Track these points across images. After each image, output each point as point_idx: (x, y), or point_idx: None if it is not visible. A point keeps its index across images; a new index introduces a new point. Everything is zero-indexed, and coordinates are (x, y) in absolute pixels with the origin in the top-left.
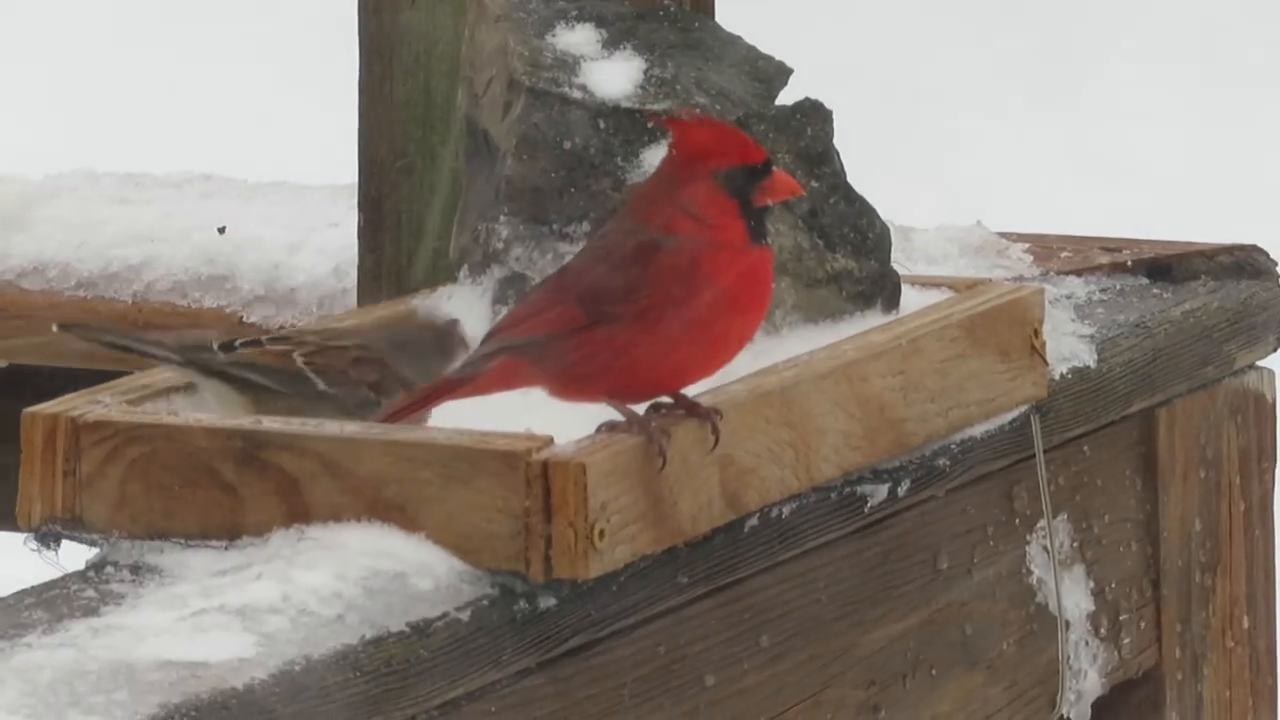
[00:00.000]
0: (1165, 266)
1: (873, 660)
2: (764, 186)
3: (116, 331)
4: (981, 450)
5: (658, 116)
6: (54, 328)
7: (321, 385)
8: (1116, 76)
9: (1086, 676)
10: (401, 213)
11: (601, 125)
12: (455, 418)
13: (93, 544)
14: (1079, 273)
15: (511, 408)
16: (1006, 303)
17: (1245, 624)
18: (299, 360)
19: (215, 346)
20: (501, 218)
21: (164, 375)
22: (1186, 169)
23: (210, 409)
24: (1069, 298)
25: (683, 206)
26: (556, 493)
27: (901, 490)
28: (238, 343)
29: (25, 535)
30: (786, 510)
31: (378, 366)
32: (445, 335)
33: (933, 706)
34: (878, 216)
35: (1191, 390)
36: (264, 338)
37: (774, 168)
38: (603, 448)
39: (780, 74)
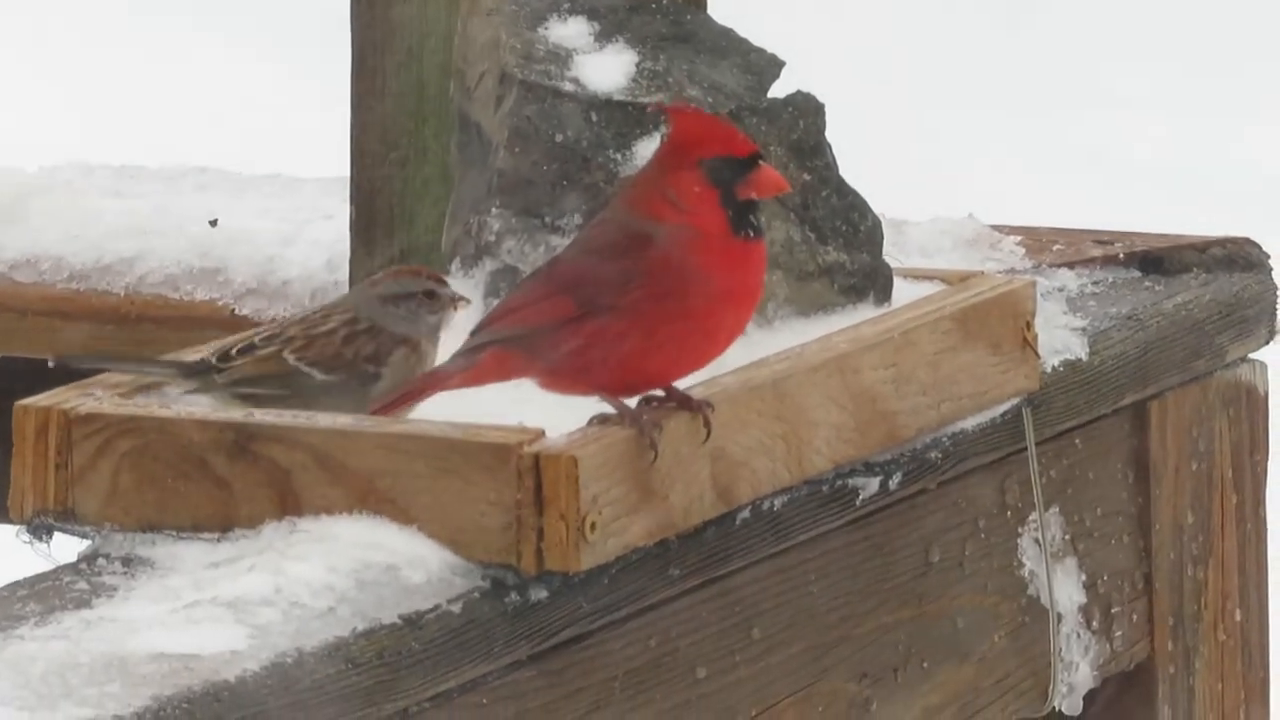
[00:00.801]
0: (1157, 259)
1: (864, 653)
2: (750, 180)
3: (114, 355)
4: (973, 443)
5: (658, 104)
6: (50, 363)
7: (320, 376)
8: (1111, 69)
9: (1078, 669)
10: (394, 205)
11: (594, 118)
12: (447, 410)
13: (85, 536)
14: (1071, 265)
15: (503, 400)
16: (998, 295)
17: (1237, 617)
18: (291, 359)
19: (214, 359)
20: (493, 210)
21: None
22: (1179, 162)
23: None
24: (1061, 290)
25: (664, 192)
26: (548, 485)
27: (893, 483)
28: (234, 350)
29: (17, 528)
30: (778, 503)
31: (370, 335)
32: (434, 288)
33: (924, 699)
34: (869, 209)
35: (1183, 383)
36: (256, 339)
37: (762, 163)
38: (594, 440)
39: (772, 67)
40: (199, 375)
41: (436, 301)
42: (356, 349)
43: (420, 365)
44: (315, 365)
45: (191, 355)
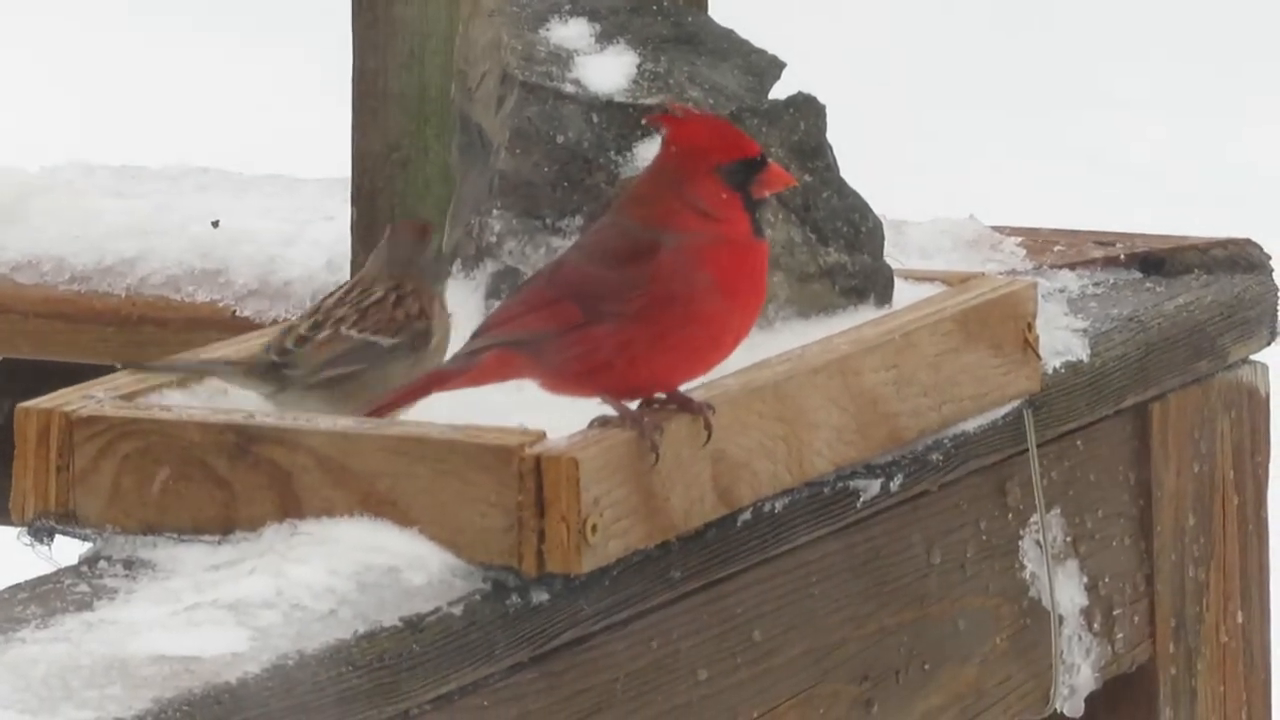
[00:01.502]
0: (1158, 260)
1: (865, 655)
2: (761, 179)
3: (180, 363)
4: (974, 445)
5: (650, 115)
6: (119, 366)
7: (387, 341)
8: (1110, 69)
9: (1080, 671)
10: (395, 206)
11: (595, 119)
12: (449, 412)
13: (86, 539)
14: (1072, 266)
15: (505, 402)
16: (999, 297)
17: (1239, 618)
18: (355, 333)
19: (273, 356)
20: (495, 212)
21: None
22: (1179, 162)
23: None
24: (1062, 291)
25: (690, 203)
26: (549, 487)
27: (894, 485)
28: (289, 344)
29: (19, 530)
30: (779, 505)
31: (414, 295)
32: (418, 231)
33: (925, 701)
34: (870, 210)
35: (1185, 384)
36: (302, 329)
37: (769, 160)
38: (595, 443)
39: (773, 68)
40: (268, 378)
41: (424, 234)
42: (406, 310)
43: (446, 313)
44: (380, 333)
45: (241, 352)
